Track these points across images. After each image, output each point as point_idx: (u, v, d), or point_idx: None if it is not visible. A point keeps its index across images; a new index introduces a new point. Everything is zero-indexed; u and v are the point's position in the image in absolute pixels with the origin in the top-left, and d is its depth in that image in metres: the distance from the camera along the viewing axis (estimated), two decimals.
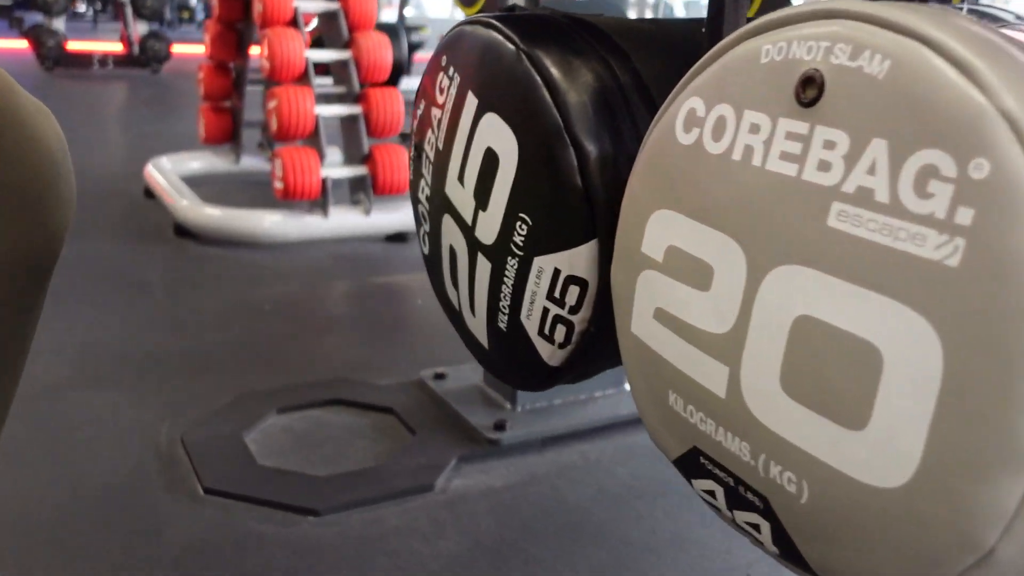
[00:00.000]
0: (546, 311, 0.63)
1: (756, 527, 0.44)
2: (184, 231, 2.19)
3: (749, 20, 0.46)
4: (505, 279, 0.66)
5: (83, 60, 6.48)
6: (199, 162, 2.77)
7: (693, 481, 0.48)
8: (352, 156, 2.25)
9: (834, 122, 0.37)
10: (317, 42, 2.37)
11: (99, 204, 2.39)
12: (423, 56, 7.02)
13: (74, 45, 6.55)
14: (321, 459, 1.16)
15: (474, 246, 0.68)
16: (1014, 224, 0.31)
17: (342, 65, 2.22)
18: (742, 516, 0.44)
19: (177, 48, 6.85)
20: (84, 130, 3.69)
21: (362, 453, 1.18)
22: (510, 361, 0.70)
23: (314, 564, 0.95)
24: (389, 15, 7.05)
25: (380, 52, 2.19)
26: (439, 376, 1.37)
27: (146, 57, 6.40)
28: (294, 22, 2.16)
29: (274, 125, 2.08)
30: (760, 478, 0.42)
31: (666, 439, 0.50)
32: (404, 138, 2.26)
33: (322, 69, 2.33)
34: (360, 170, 2.20)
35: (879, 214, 0.35)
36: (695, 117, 0.46)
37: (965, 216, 0.32)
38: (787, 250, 0.39)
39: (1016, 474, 0.32)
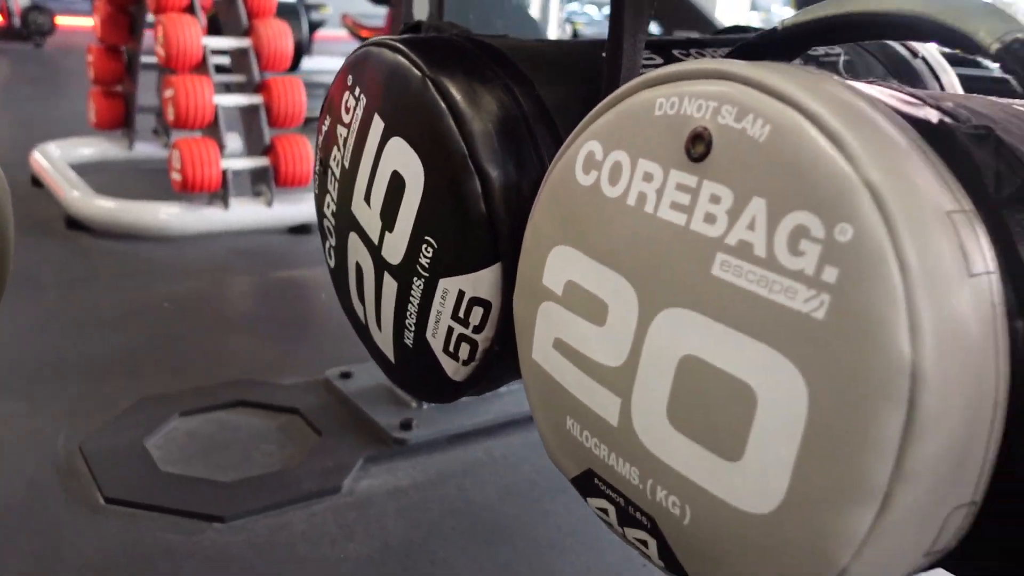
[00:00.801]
0: (451, 330, 0.65)
1: (644, 543, 0.47)
2: (76, 224, 2.12)
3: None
4: (411, 298, 0.67)
5: None
6: (90, 148, 2.67)
7: (588, 499, 0.51)
8: (253, 147, 2.21)
9: (720, 178, 0.41)
10: (213, 26, 2.31)
11: None
12: (324, 34, 6.89)
13: None
14: (226, 464, 1.15)
15: (381, 265, 0.70)
16: (872, 284, 0.35)
17: (241, 53, 2.17)
18: (632, 533, 0.48)
19: (62, 20, 6.53)
20: None
21: (267, 457, 1.18)
22: (416, 375, 0.72)
23: (221, 573, 0.95)
24: None
25: (281, 41, 2.15)
26: (345, 375, 1.37)
27: (28, 31, 6.08)
28: (191, 8, 2.10)
29: (171, 115, 2.02)
30: (648, 500, 0.45)
31: (563, 460, 0.53)
32: (307, 124, 2.23)
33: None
34: (262, 161, 2.16)
35: (757, 267, 0.38)
36: (593, 160, 0.48)
37: (831, 274, 0.36)
38: (675, 293, 0.42)
39: (865, 506, 0.36)
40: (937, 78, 0.88)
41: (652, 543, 0.47)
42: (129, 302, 1.71)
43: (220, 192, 2.10)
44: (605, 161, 0.47)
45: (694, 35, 0.70)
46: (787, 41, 0.49)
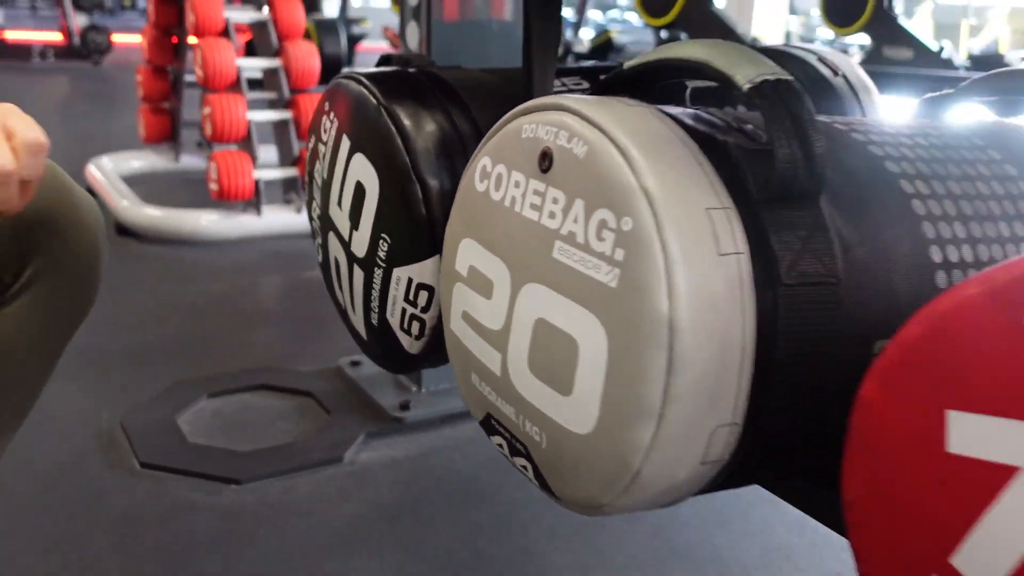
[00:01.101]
0: (404, 311, 0.80)
1: (525, 468, 0.61)
2: (125, 230, 2.32)
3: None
4: (373, 285, 0.82)
5: (22, 51, 6.46)
6: (140, 161, 2.88)
7: (491, 437, 0.65)
8: (284, 158, 2.39)
9: (558, 185, 0.55)
10: (249, 47, 2.50)
11: None
12: (368, 46, 7.11)
13: (12, 35, 6.52)
14: (245, 437, 1.32)
15: (350, 258, 0.85)
16: (643, 260, 0.48)
17: (272, 72, 2.35)
18: (518, 461, 0.62)
19: (119, 38, 6.85)
20: None
21: (282, 432, 1.34)
22: (382, 349, 0.87)
23: (237, 526, 1.11)
24: (333, 8, 7.13)
25: (308, 60, 2.33)
26: (355, 363, 1.53)
27: (87, 49, 6.41)
28: (226, 32, 2.29)
29: (208, 130, 2.22)
30: (522, 432, 0.59)
31: (474, 408, 0.67)
32: None
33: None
34: (291, 171, 2.35)
35: (578, 250, 0.52)
36: (485, 171, 0.63)
37: (620, 254, 0.50)
38: (532, 272, 0.56)
39: (647, 423, 0.49)
40: (856, 95, 0.99)
41: (529, 467, 0.60)
42: (169, 300, 1.89)
43: (253, 200, 2.28)
44: (492, 172, 0.62)
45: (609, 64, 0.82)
46: (630, 79, 0.63)
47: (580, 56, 5.42)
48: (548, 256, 0.55)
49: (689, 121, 0.56)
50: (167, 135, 2.89)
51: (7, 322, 0.72)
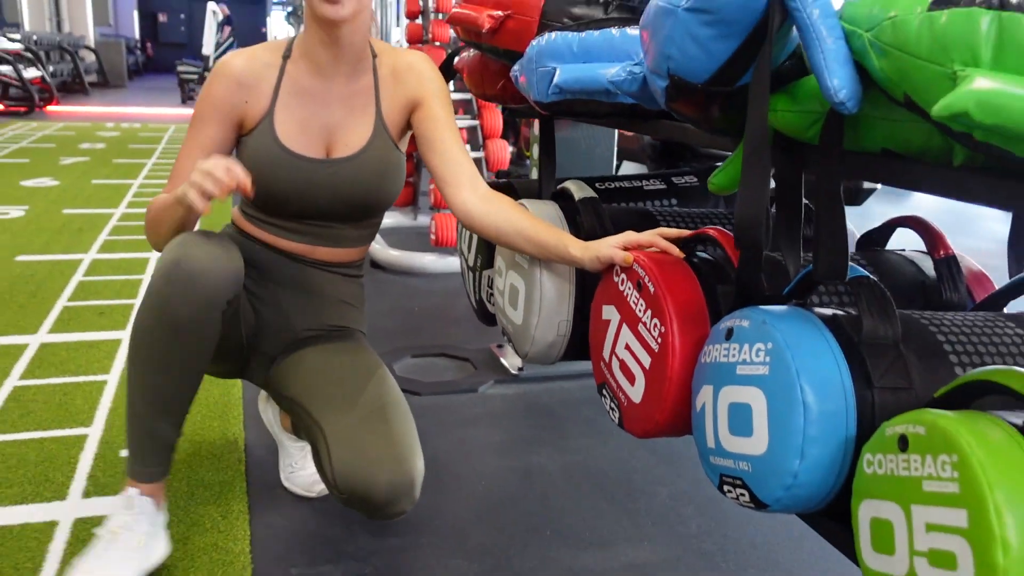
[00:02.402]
0: (487, 293, 1.76)
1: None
2: (376, 264, 3.47)
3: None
4: (479, 281, 1.79)
5: None
6: (390, 219, 4.09)
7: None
8: None
9: None
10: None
11: None
12: None
13: None
14: (428, 376, 2.33)
15: (472, 270, 1.83)
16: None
17: (477, 160, 3.44)
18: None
19: None
20: None
21: (448, 375, 2.34)
22: (483, 314, 1.83)
23: (419, 414, 2.10)
24: None
25: (502, 153, 3.39)
26: (499, 346, 2.51)
27: None
28: None
29: (432, 199, 3.32)
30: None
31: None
32: None
33: None
34: None
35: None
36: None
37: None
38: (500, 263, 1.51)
39: (534, 318, 1.42)
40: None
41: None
42: (399, 306, 2.97)
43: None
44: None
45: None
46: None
47: None
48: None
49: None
50: (410, 200, 4.07)
51: None
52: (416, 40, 3.92)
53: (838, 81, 0.83)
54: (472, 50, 1.93)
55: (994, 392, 0.82)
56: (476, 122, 3.47)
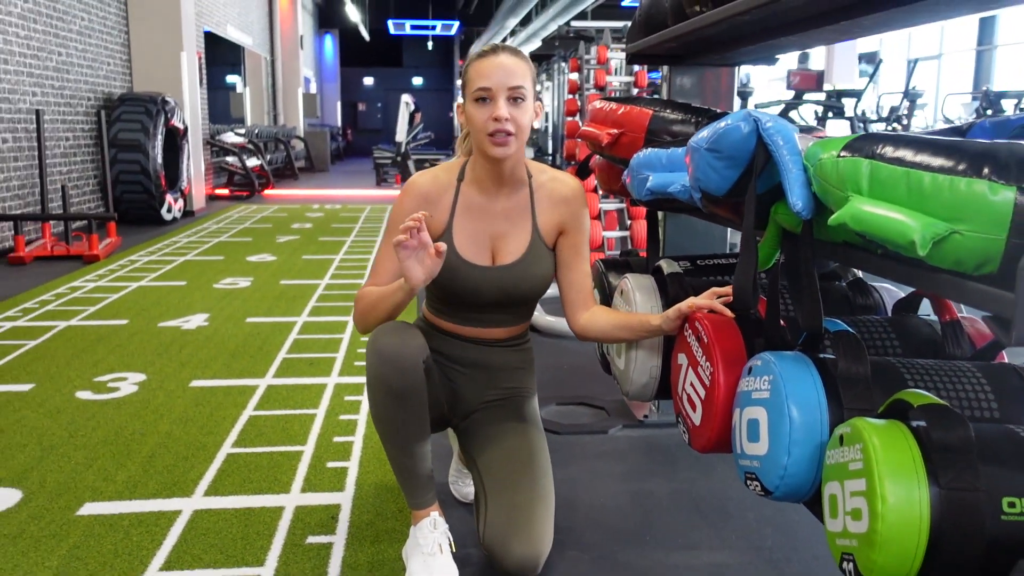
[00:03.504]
0: (607, 348, 2.22)
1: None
2: (535, 329, 3.99)
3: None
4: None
5: None
6: (551, 289, 4.61)
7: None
8: None
9: None
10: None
11: None
12: None
13: None
14: (568, 420, 2.79)
15: None
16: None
17: (623, 239, 3.91)
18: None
19: None
20: None
21: (585, 419, 2.79)
22: (604, 366, 2.28)
23: (558, 448, 2.56)
24: None
25: (643, 232, 3.84)
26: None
27: None
28: (598, 216, 3.91)
29: None
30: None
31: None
32: None
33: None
34: None
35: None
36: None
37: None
38: None
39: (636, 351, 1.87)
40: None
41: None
42: (552, 363, 3.46)
43: None
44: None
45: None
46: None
47: None
48: None
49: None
50: None
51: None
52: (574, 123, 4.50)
53: (796, 197, 1.26)
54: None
55: (907, 407, 1.20)
56: (623, 205, 3.96)
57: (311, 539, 1.95)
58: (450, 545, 1.80)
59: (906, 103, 9.53)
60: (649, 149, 1.92)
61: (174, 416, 2.76)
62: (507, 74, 1.72)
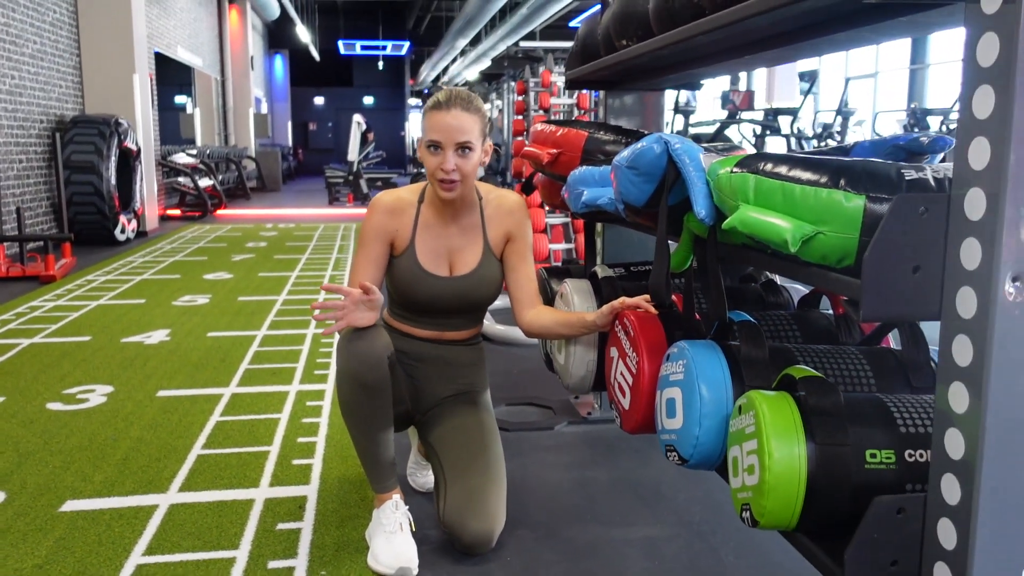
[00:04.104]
0: (550, 347, 2.43)
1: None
2: (486, 338, 4.20)
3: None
4: (544, 341, 2.47)
5: None
6: (500, 301, 4.82)
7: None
8: None
9: None
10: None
11: None
12: None
13: None
14: (515, 419, 3.00)
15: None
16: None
17: (568, 251, 4.14)
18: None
19: None
20: None
21: (533, 417, 3.00)
22: (548, 364, 2.50)
23: (505, 444, 2.76)
24: None
25: None
26: (576, 397, 3.16)
27: None
28: (544, 230, 4.13)
29: None
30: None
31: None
32: None
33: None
34: None
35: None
36: None
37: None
38: None
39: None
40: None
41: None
42: (501, 368, 3.67)
43: None
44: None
45: None
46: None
47: None
48: None
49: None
50: None
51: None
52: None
53: (700, 207, 1.49)
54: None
55: (793, 381, 1.43)
56: (568, 219, 4.19)
57: (281, 526, 2.13)
58: (410, 525, 1.99)
59: (839, 120, 9.99)
60: (584, 167, 2.15)
61: (144, 423, 2.91)
62: (455, 131, 1.97)
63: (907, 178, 1.24)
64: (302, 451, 2.65)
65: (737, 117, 8.52)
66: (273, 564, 1.94)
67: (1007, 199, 1.06)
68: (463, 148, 1.98)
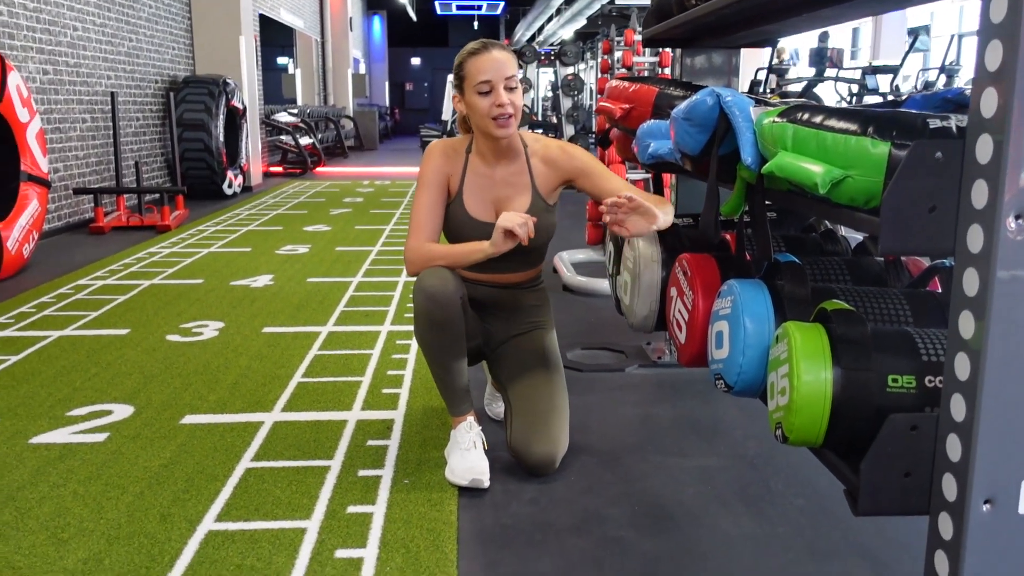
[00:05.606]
0: (617, 287, 2.60)
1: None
2: (568, 288, 4.38)
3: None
4: (614, 283, 2.63)
5: None
6: (582, 254, 5.00)
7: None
8: None
9: None
10: None
11: None
12: None
13: None
14: (591, 361, 3.18)
15: (611, 277, 2.67)
16: (645, 271, 2.27)
17: None
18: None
19: None
20: None
21: (606, 360, 3.18)
22: (618, 307, 2.67)
23: (576, 383, 2.95)
24: None
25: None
26: (648, 343, 3.32)
27: None
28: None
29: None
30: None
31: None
32: None
33: None
34: None
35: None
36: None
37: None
38: None
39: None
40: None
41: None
42: (582, 318, 3.85)
43: None
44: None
45: None
46: None
47: None
48: None
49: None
50: (600, 240, 4.96)
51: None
52: None
53: (747, 154, 1.63)
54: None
55: (826, 314, 1.56)
56: (649, 176, 4.31)
57: (371, 442, 2.38)
58: (483, 444, 2.21)
59: (943, 78, 9.65)
60: (651, 120, 2.29)
61: (251, 354, 3.22)
62: (502, 66, 2.13)
63: (931, 127, 1.35)
64: (391, 382, 2.90)
65: (824, 75, 8.34)
66: (363, 472, 2.19)
67: (1010, 144, 1.18)
68: (510, 87, 2.12)
